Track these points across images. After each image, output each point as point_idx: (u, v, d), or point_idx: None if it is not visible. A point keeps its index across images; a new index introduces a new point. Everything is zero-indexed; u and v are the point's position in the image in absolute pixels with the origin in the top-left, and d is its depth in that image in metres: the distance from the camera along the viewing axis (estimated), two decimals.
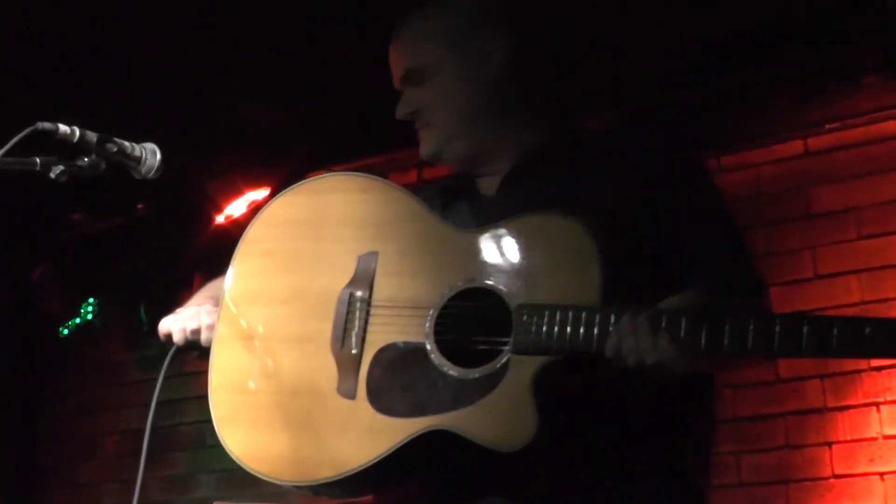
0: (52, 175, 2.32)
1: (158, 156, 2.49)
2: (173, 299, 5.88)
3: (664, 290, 2.24)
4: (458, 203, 2.62)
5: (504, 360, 2.26)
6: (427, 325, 2.37)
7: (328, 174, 2.75)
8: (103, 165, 2.40)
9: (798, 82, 4.78)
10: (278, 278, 2.64)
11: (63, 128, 2.34)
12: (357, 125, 5.37)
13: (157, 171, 2.49)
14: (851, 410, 4.45)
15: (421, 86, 2.64)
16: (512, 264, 2.34)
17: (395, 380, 2.38)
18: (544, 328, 2.22)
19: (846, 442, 4.43)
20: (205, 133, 5.27)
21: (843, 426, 4.45)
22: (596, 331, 2.18)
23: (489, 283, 2.34)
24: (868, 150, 4.69)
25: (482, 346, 2.30)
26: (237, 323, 2.66)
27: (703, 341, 2.12)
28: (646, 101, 5.04)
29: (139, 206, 5.91)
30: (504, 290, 2.32)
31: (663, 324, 2.13)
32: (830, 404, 4.50)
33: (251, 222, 2.75)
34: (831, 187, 4.72)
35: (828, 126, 4.73)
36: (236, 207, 5.63)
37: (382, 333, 2.43)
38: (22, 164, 2.30)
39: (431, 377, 2.32)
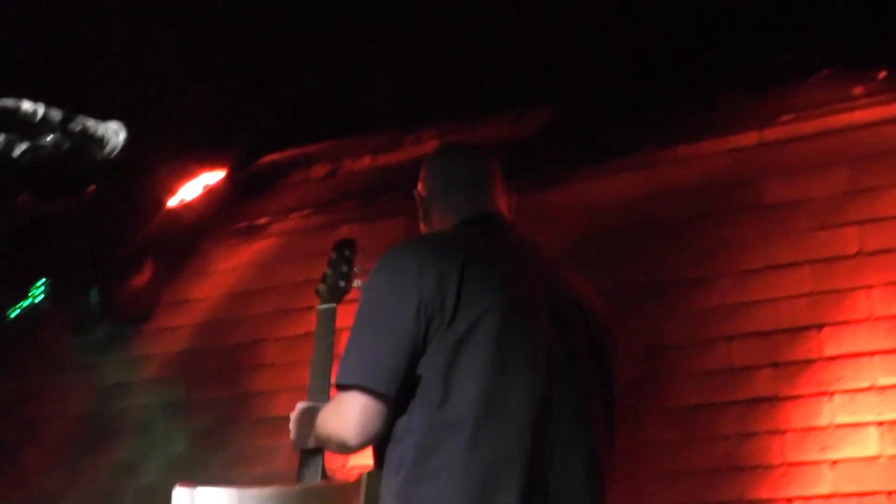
0: (15, 154, 2.26)
1: (122, 135, 2.41)
2: (124, 282, 5.90)
3: None
4: None
5: None
6: None
7: None
8: (67, 145, 2.34)
9: (753, 75, 4.80)
10: None
11: (26, 105, 2.28)
12: (311, 109, 5.35)
13: (120, 150, 2.42)
14: (803, 399, 4.48)
15: None
16: None
17: None
18: None
19: (797, 430, 4.46)
20: (155, 113, 5.21)
21: (794, 415, 4.48)
22: None
23: None
24: (821, 142, 4.72)
25: None
26: None
27: None
28: (599, 94, 5.06)
29: (90, 187, 5.84)
30: None
31: None
32: (782, 393, 4.53)
33: None
34: (784, 179, 4.74)
35: (783, 118, 4.75)
36: (190, 191, 5.58)
37: None
38: None
39: None
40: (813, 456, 4.42)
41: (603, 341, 3.36)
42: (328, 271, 3.63)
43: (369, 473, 2.58)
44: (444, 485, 2.89)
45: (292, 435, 3.24)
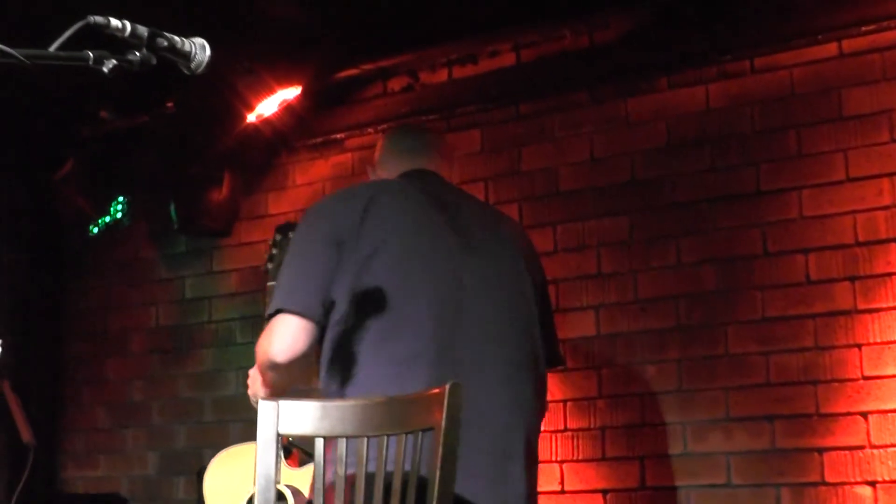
0: (105, 69, 2.29)
1: (208, 51, 2.44)
2: (202, 197, 5.97)
3: None
4: None
5: None
6: None
7: None
8: (154, 60, 2.37)
9: None
10: None
11: (114, 22, 2.30)
12: (386, 22, 5.34)
13: (206, 66, 2.45)
14: (881, 312, 4.47)
15: None
16: None
17: None
18: None
19: (875, 344, 4.46)
20: (231, 29, 5.23)
21: (872, 328, 4.47)
22: None
23: None
24: None
25: None
26: None
27: None
28: (678, 3, 5.02)
29: (168, 103, 5.89)
30: None
31: None
32: (860, 306, 4.52)
33: None
34: (864, 90, 4.69)
35: (863, 28, 4.69)
36: (268, 106, 5.60)
37: None
38: (74, 59, 2.27)
39: None
40: (891, 370, 4.42)
41: (531, 272, 3.58)
42: (275, 252, 4.09)
43: (453, 383, 2.62)
44: (361, 386, 3.15)
45: (250, 390, 3.52)
